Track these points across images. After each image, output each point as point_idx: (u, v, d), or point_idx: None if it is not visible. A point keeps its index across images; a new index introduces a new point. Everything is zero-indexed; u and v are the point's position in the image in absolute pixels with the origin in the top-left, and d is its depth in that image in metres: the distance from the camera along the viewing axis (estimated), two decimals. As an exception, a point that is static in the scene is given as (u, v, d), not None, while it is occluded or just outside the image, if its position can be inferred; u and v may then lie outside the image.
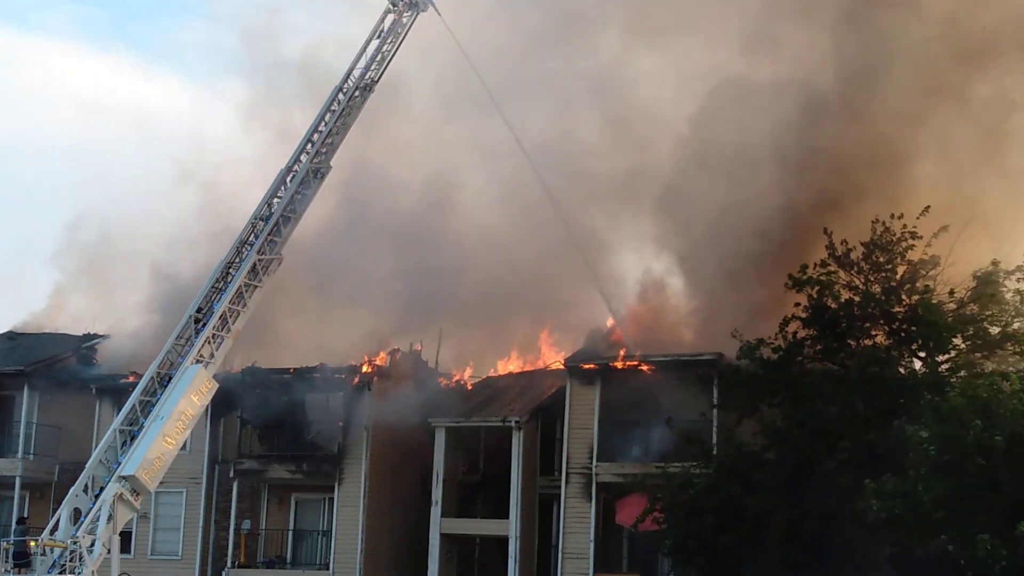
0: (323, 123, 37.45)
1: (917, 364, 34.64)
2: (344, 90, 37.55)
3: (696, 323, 41.56)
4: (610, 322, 43.76)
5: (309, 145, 37.16)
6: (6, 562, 33.25)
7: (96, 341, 49.53)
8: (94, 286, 52.84)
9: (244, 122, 51.15)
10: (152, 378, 34.77)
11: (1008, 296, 33.88)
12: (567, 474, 41.15)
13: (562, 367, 42.77)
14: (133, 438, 34.03)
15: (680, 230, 42.75)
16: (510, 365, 47.14)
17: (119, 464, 33.68)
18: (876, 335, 34.92)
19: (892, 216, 34.59)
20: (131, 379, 42.99)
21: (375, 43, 38.09)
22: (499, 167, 46.59)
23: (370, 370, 44.28)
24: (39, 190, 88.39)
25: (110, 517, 33.15)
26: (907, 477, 30.42)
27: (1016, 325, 33.69)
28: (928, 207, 34.60)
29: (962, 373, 33.23)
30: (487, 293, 47.44)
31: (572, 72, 47.03)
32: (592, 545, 40.27)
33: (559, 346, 45.87)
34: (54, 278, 54.32)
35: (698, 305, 42.03)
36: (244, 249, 36.16)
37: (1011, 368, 32.59)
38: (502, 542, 42.15)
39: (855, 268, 35.00)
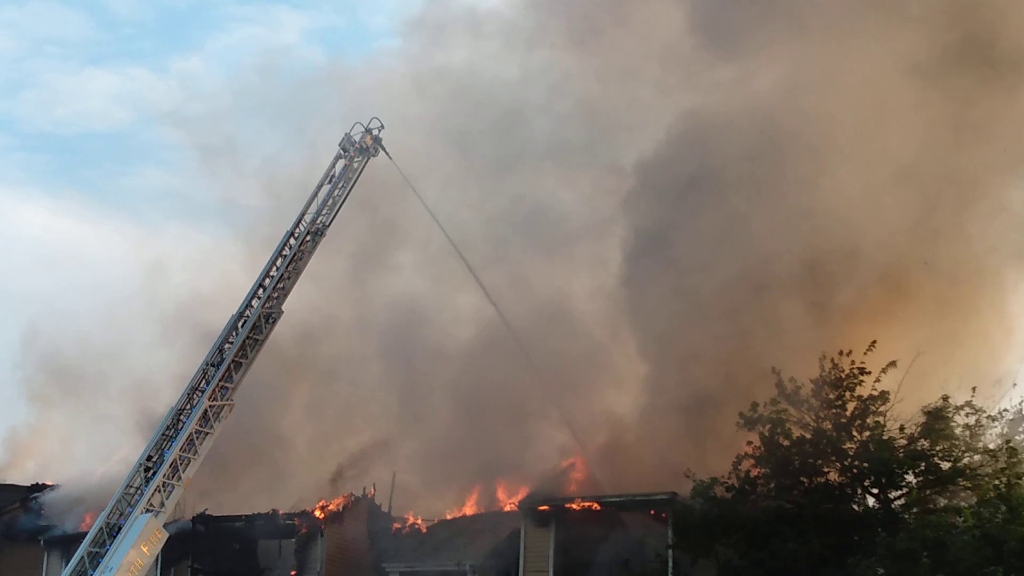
0: (274, 268, 37.61)
1: (871, 500, 34.61)
2: (295, 235, 37.79)
3: (651, 460, 41.48)
4: (565, 462, 43.59)
5: (260, 290, 37.26)
6: None
7: (44, 492, 48.90)
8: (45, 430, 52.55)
9: (199, 265, 51.34)
10: (101, 528, 34.42)
11: (958, 431, 34.01)
12: (524, 618, 40.70)
13: (515, 509, 42.50)
14: (81, 591, 33.54)
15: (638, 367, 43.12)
16: (465, 508, 46.78)
17: (67, 618, 33.16)
18: (829, 472, 34.93)
19: (840, 353, 34.80)
20: (81, 530, 42.40)
21: (326, 188, 38.46)
22: (451, 297, 46.87)
23: (323, 516, 43.87)
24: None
25: (57, 673, 32.55)
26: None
27: (966, 460, 33.76)
28: (874, 342, 34.85)
29: (915, 509, 33.24)
30: (440, 434, 47.47)
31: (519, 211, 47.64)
32: None
33: (513, 488, 45.64)
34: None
35: (652, 442, 42.01)
36: (195, 395, 36.04)
37: (963, 503, 32.63)
38: None
39: (805, 405, 35.11)
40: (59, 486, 48.54)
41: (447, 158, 48.17)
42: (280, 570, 44.23)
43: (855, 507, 34.57)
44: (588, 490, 41.52)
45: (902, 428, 34.21)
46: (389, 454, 47.18)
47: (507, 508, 44.53)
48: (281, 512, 44.04)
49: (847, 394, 34.74)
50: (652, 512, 39.55)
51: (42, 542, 46.01)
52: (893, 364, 34.47)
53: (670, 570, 37.42)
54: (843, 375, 34.79)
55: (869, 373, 34.54)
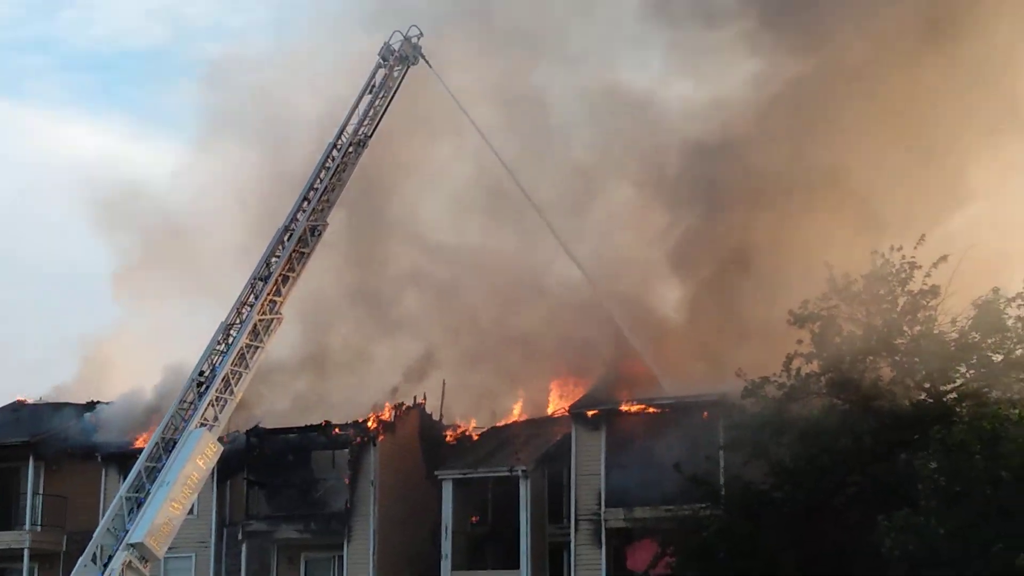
0: (318, 180, 37.56)
1: (923, 395, 34.53)
2: (338, 147, 37.68)
3: (701, 361, 41.45)
4: (618, 365, 43.55)
5: (305, 203, 37.25)
6: (17, 635, 33.11)
7: (100, 409, 49.42)
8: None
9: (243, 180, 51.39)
10: (157, 444, 34.75)
11: (1010, 323, 33.78)
12: (576, 521, 41.00)
13: (567, 414, 42.69)
14: (140, 505, 33.99)
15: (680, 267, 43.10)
16: (516, 414, 47.03)
17: (127, 532, 33.60)
18: (881, 368, 34.83)
19: (891, 248, 34.56)
20: (136, 446, 42.89)
21: (367, 98, 38.25)
22: (503, 211, 46.80)
23: (375, 426, 44.19)
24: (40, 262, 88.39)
25: (120, 586, 33.05)
26: (918, 510, 30.30)
27: (1019, 352, 33.57)
28: (923, 236, 34.59)
29: (967, 403, 33.14)
30: (491, 342, 47.65)
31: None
32: (605, 591, 40.11)
33: (565, 393, 45.81)
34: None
35: (701, 343, 41.97)
36: (244, 310, 36.19)
37: (1016, 395, 32.50)
38: (514, 592, 41.97)
39: (856, 301, 34.92)
40: (114, 402, 49.03)
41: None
42: (334, 480, 44.66)
43: (907, 403, 34.48)
44: (638, 394, 41.60)
45: (954, 321, 34.05)
46: (439, 363, 47.37)
47: (558, 414, 44.76)
48: (334, 423, 44.38)
49: (898, 289, 34.55)
50: (703, 414, 39.63)
51: (99, 458, 46.58)
52: (944, 258, 34.20)
53: (722, 471, 37.54)
54: (894, 270, 34.58)
55: (920, 267, 34.31)
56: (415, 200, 49.05)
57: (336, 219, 38.28)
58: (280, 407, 45.89)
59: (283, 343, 38.65)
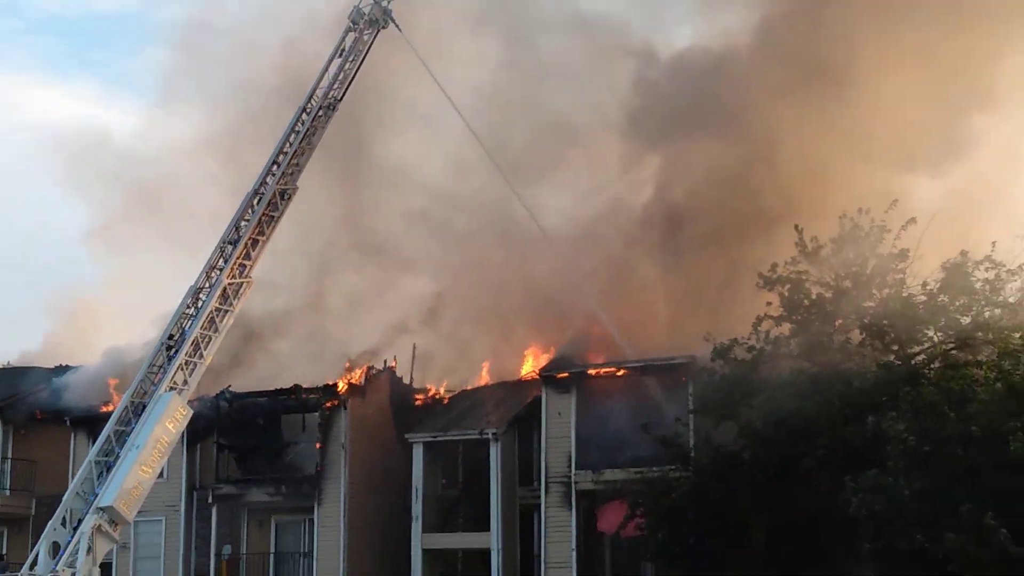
0: (288, 144, 37.35)
1: (891, 357, 34.69)
2: (307, 110, 37.46)
3: (669, 325, 41.54)
4: (589, 328, 43.58)
5: (275, 167, 37.06)
6: (-13, 599, 33.03)
7: (69, 373, 49.24)
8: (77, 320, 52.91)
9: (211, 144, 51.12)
10: (126, 407, 34.60)
11: (978, 286, 33.96)
12: (546, 483, 41.13)
13: (536, 377, 42.75)
14: (109, 469, 33.84)
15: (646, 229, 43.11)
16: (485, 378, 47.08)
17: (96, 495, 33.49)
18: (849, 331, 34.99)
19: (859, 211, 34.66)
20: (105, 410, 42.76)
21: (337, 62, 38.01)
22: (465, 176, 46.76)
23: (345, 389, 44.17)
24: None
25: (89, 549, 32.93)
26: (886, 471, 30.48)
27: (987, 314, 33.77)
28: (895, 201, 34.70)
29: (936, 365, 33.33)
30: (462, 305, 47.68)
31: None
32: (574, 553, 40.25)
33: (534, 356, 45.89)
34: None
35: (669, 306, 42.06)
36: (213, 274, 36.04)
37: (984, 357, 32.71)
38: (484, 554, 42.06)
39: (825, 264, 35.04)
40: (83, 366, 48.85)
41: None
42: (305, 444, 44.66)
43: (876, 365, 34.65)
44: (608, 357, 41.68)
45: (924, 284, 34.20)
46: (408, 326, 47.38)
47: (528, 377, 44.81)
48: (304, 387, 44.34)
49: (867, 252, 34.68)
50: (673, 376, 39.75)
51: (68, 422, 46.44)
52: (913, 221, 34.33)
53: (691, 433, 37.68)
54: (863, 233, 34.69)
55: (889, 231, 34.43)
56: (400, 150, 48.98)
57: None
58: (249, 371, 45.77)
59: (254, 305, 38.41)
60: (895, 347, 34.44)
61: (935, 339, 33.95)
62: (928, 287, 34.25)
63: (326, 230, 48.20)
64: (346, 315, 47.57)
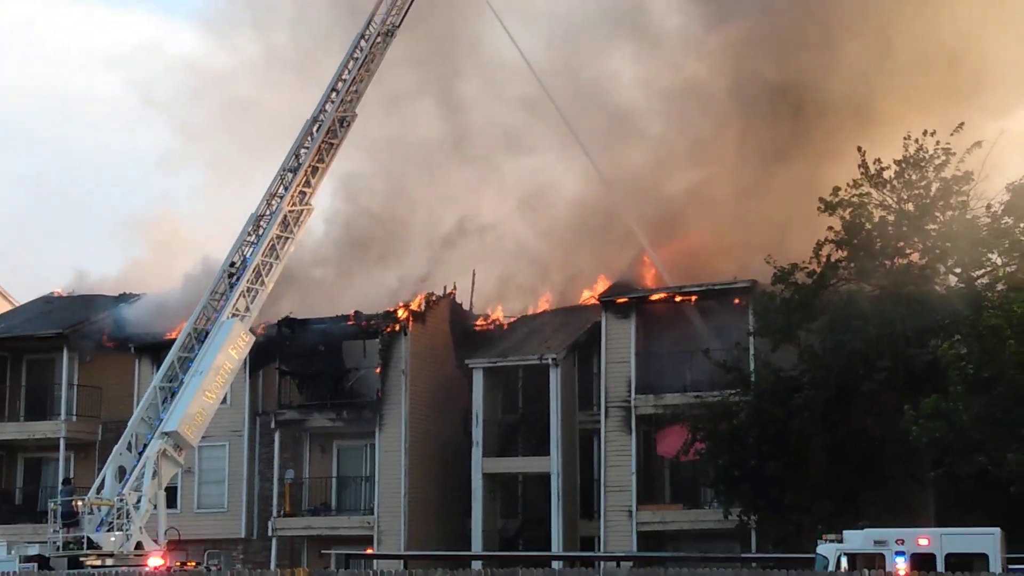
0: (346, 71, 37.34)
1: (953, 281, 34.45)
2: (366, 37, 37.40)
3: (729, 251, 41.39)
4: (645, 256, 43.58)
5: (334, 94, 37.08)
6: (55, 522, 33.55)
7: (132, 300, 49.70)
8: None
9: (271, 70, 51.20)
10: (189, 334, 34.99)
11: (1042, 208, 33.63)
12: (606, 408, 41.23)
13: (597, 302, 42.76)
14: (173, 395, 34.32)
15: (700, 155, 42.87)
16: (545, 304, 47.14)
17: (161, 421, 33.96)
18: (911, 254, 34.74)
19: (924, 133, 34.29)
20: (169, 337, 43.19)
21: (393, -13, 37.85)
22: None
23: (406, 315, 44.35)
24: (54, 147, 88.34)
25: (155, 473, 33.48)
26: (946, 396, 30.33)
27: (1052, 236, 33.44)
28: (962, 124, 34.29)
29: (1000, 288, 33.03)
30: (519, 232, 47.70)
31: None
32: (634, 477, 40.37)
33: (595, 282, 45.91)
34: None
35: (729, 232, 41.85)
36: (274, 201, 36.22)
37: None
38: (544, 479, 42.31)
39: (888, 187, 34.72)
40: (147, 294, 49.25)
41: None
42: (366, 369, 44.94)
43: (938, 288, 34.42)
44: (667, 276, 41.68)
45: (988, 207, 33.85)
46: (469, 252, 47.45)
47: (588, 302, 44.84)
48: (365, 313, 44.53)
49: (931, 175, 34.34)
50: (735, 300, 39.68)
51: (132, 349, 46.92)
52: (978, 144, 33.94)
53: (751, 357, 37.63)
54: (927, 155, 34.34)
55: (954, 154, 34.07)
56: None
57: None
58: (311, 297, 45.98)
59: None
60: (957, 270, 34.18)
61: (998, 263, 33.63)
62: (992, 209, 33.92)
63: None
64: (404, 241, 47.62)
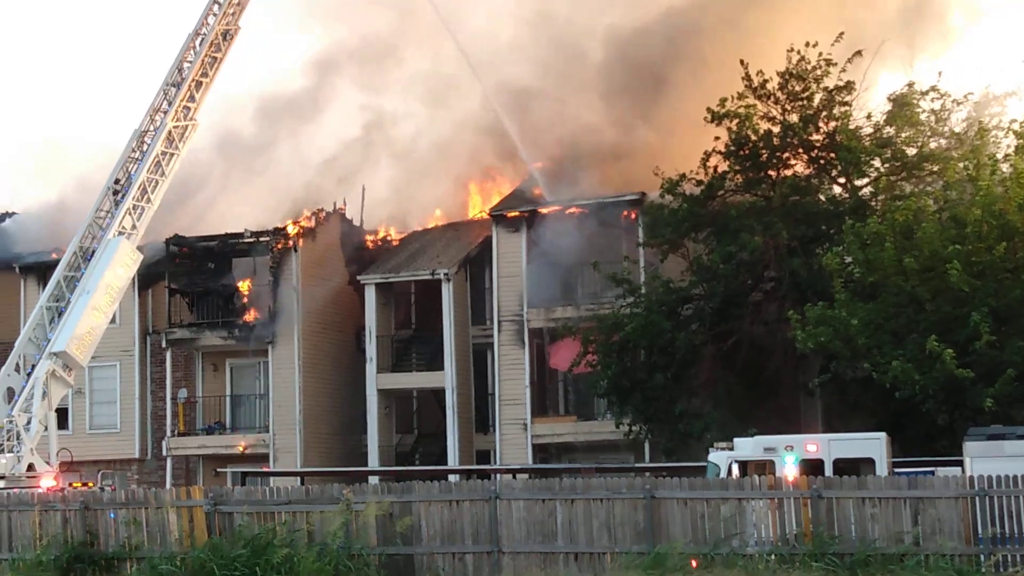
0: (230, -18, 36.75)
1: (837, 190, 34.90)
2: (247, -52, 36.81)
3: (617, 164, 41.49)
4: (533, 168, 43.56)
5: (215, 6, 36.51)
6: (-57, 446, 33.16)
7: (16, 219, 48.85)
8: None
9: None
10: (75, 253, 34.57)
11: (923, 117, 34.05)
12: (499, 322, 41.42)
13: (487, 217, 42.78)
14: (61, 315, 33.93)
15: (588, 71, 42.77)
16: (436, 218, 47.07)
17: (49, 341, 33.59)
18: (796, 164, 35.11)
19: (807, 44, 34.52)
20: (55, 256, 42.57)
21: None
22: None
23: (296, 231, 44.07)
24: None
25: (44, 394, 33.17)
26: (832, 303, 30.79)
27: (932, 145, 33.92)
28: (842, 33, 34.54)
29: (882, 196, 33.52)
30: (411, 148, 47.42)
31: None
32: (528, 391, 40.71)
33: (485, 197, 45.91)
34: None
35: (617, 145, 41.89)
36: (157, 116, 35.72)
37: (929, 187, 32.92)
38: (439, 394, 42.54)
39: (772, 99, 34.98)
40: (29, 212, 48.39)
41: None
42: (257, 287, 44.64)
43: (822, 198, 34.87)
44: (548, 191, 41.75)
45: (869, 116, 34.27)
46: (357, 167, 47.14)
47: (478, 217, 44.85)
48: (254, 230, 44.17)
49: (814, 86, 34.64)
50: (624, 213, 39.89)
51: (17, 269, 46.20)
52: (859, 53, 34.25)
53: (641, 268, 37.92)
54: (809, 67, 34.61)
55: (835, 64, 34.36)
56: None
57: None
58: (198, 214, 45.45)
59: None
60: (841, 179, 34.62)
61: (881, 171, 34.09)
62: (874, 119, 34.34)
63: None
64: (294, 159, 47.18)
